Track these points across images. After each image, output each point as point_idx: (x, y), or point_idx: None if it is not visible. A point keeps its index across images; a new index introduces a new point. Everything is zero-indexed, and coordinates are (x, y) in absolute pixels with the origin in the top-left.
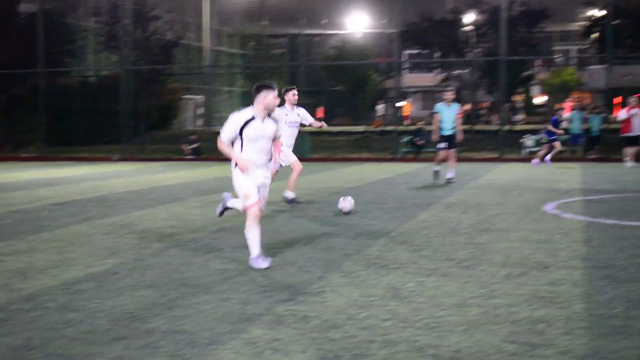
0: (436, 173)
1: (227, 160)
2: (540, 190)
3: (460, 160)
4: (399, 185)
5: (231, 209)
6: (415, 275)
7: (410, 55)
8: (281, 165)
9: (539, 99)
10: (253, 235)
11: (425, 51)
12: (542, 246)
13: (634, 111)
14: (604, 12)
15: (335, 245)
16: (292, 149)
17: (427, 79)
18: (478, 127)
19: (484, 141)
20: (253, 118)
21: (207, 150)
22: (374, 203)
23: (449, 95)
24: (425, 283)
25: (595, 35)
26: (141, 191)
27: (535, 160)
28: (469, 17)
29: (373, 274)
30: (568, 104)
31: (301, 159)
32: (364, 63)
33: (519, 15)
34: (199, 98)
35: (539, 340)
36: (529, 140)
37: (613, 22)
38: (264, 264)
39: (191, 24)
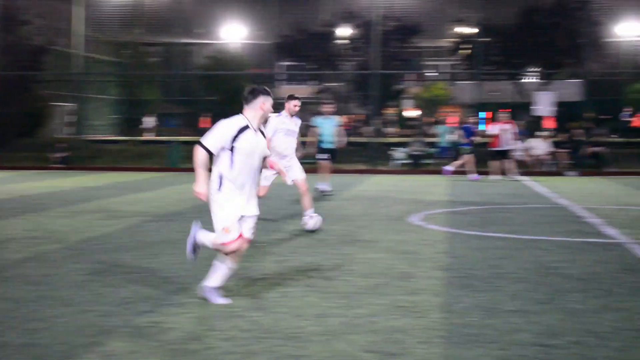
0: (324, 191)
1: (96, 169)
2: (407, 202)
3: (331, 171)
4: (269, 196)
5: (201, 246)
6: (279, 285)
7: (288, 67)
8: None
9: (411, 113)
10: (224, 271)
11: (302, 63)
12: (405, 257)
13: (504, 126)
14: (473, 30)
15: (200, 256)
16: (291, 159)
17: (304, 90)
18: (350, 139)
19: (355, 153)
20: (247, 127)
21: (77, 159)
22: None
23: (328, 108)
24: (289, 294)
25: (465, 52)
26: (4, 200)
27: (472, 176)
28: (343, 31)
29: (237, 284)
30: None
31: (172, 169)
32: (239, 74)
33: (392, 30)
34: (70, 106)
35: (396, 349)
36: (398, 153)
37: (482, 40)
38: (220, 299)
39: (63, 30)
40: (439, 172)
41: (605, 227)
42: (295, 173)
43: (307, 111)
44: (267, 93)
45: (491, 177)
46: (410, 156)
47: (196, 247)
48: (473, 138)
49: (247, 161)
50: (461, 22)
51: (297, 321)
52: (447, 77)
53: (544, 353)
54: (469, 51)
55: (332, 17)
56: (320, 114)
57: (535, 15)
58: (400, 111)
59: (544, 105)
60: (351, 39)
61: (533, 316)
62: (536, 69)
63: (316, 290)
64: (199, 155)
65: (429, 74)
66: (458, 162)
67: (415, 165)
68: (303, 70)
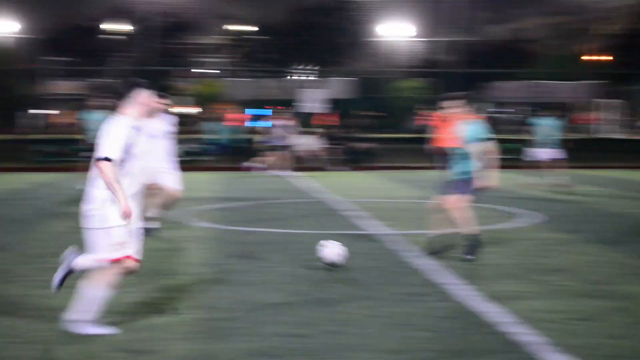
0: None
1: None
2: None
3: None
4: (37, 197)
5: (74, 272)
6: (35, 287)
7: (56, 62)
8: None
9: (185, 110)
10: (102, 296)
11: (72, 59)
12: (170, 254)
13: (285, 122)
14: (247, 28)
15: None
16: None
17: (71, 86)
18: None
19: None
20: (135, 126)
21: None
22: None
23: (94, 102)
24: (38, 295)
25: (238, 50)
26: None
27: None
28: (113, 26)
29: None
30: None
31: None
32: (3, 69)
33: (164, 26)
34: None
35: (150, 346)
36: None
37: (255, 37)
38: (101, 329)
39: None
40: (214, 169)
41: (365, 220)
42: (166, 178)
43: (81, 108)
44: (147, 85)
45: (270, 172)
46: (186, 153)
47: (67, 275)
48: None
49: (135, 166)
50: (235, 20)
51: (45, 323)
52: (219, 74)
53: (301, 343)
54: (243, 48)
55: (101, 12)
56: (87, 107)
57: (304, 15)
58: (176, 108)
59: (312, 102)
60: (121, 34)
61: (293, 308)
62: (309, 67)
63: (67, 290)
64: (110, 171)
65: (202, 70)
66: (268, 159)
67: (191, 162)
68: (69, 66)
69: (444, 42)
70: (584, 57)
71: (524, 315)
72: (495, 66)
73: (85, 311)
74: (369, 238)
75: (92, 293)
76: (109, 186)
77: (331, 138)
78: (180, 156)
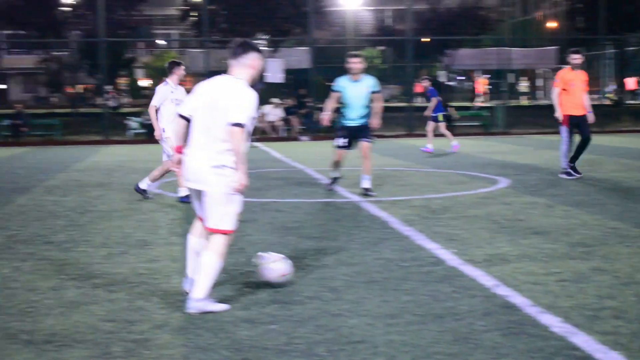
0: None
1: None
2: (142, 171)
3: (65, 143)
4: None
5: None
6: (11, 260)
7: (8, 36)
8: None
9: (143, 82)
10: (216, 271)
11: (23, 31)
12: (143, 224)
13: None
14: None
15: None
16: None
17: (29, 60)
18: (83, 110)
19: (89, 124)
20: None
21: None
22: None
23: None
24: (22, 268)
25: (193, 20)
26: None
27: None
28: None
29: None
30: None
31: None
32: None
33: None
34: None
35: (137, 316)
36: (133, 122)
37: (209, 7)
38: (219, 305)
39: None
40: None
41: (337, 187)
42: None
43: (36, 83)
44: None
45: None
46: (144, 125)
47: None
48: None
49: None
50: None
51: (31, 295)
52: (176, 45)
53: (286, 309)
54: (197, 19)
55: None
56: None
57: None
58: (133, 80)
59: (273, 72)
60: (75, 5)
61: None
62: (264, 37)
63: (51, 262)
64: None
65: (159, 42)
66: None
67: (149, 135)
68: (26, 39)
69: (403, 9)
70: (546, 24)
71: (506, 278)
72: (455, 33)
73: (208, 286)
74: (345, 205)
75: (216, 265)
76: (242, 155)
77: (290, 108)
78: (135, 128)
